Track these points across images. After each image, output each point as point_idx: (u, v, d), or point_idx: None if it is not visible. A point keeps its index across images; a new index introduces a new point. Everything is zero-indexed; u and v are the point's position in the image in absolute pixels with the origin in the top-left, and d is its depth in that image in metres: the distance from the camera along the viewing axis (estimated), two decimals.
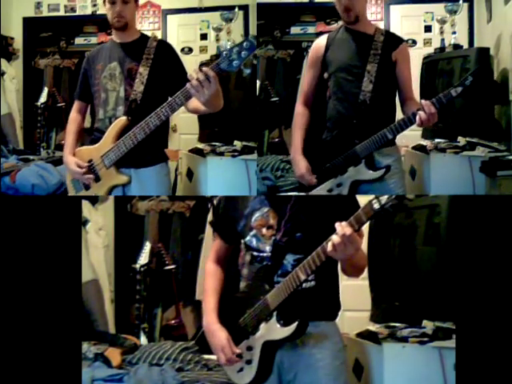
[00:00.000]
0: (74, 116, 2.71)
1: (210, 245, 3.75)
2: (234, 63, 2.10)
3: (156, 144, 2.53)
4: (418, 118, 2.26)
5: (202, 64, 4.25)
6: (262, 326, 1.83)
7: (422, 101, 2.27)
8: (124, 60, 2.53)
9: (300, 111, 2.65)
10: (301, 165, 2.55)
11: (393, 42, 2.50)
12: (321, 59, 2.57)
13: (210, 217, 3.72)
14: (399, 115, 2.53)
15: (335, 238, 1.66)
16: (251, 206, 1.93)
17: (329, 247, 1.67)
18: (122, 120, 2.48)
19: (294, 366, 1.84)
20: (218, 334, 1.90)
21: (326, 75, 2.56)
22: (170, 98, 2.35)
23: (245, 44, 2.08)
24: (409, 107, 2.45)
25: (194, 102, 2.29)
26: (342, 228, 1.65)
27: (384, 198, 1.60)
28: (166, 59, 2.54)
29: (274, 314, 1.81)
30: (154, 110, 2.36)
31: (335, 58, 2.53)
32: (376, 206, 1.61)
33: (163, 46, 2.58)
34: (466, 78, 2.25)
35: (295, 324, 1.77)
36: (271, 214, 1.89)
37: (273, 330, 1.81)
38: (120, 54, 2.55)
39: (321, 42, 2.60)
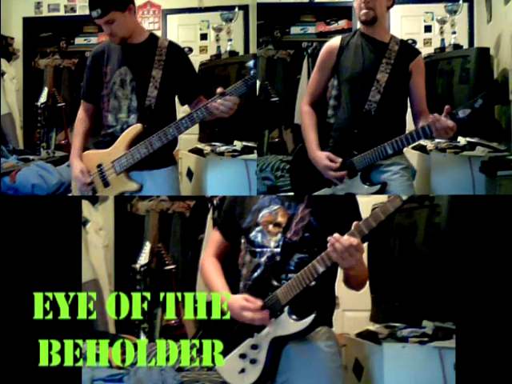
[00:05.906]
0: (81, 116, 2.63)
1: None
2: (250, 83, 2.30)
3: (168, 147, 2.47)
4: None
5: (202, 64, 4.26)
6: (271, 321, 1.81)
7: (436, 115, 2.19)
8: (135, 65, 2.46)
9: (307, 111, 2.54)
10: (321, 156, 2.44)
11: (409, 52, 2.42)
12: (333, 63, 2.48)
13: (211, 214, 3.74)
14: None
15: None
16: (260, 203, 1.95)
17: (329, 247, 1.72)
18: (138, 127, 2.43)
19: (289, 368, 1.83)
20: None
21: (335, 82, 2.51)
22: (191, 111, 2.37)
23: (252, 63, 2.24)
24: (421, 121, 2.36)
25: None
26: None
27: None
28: (178, 63, 2.49)
29: (285, 309, 1.80)
30: (166, 115, 2.39)
31: (349, 65, 2.44)
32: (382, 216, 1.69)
33: (175, 50, 2.50)
34: (476, 100, 2.13)
35: (311, 317, 1.77)
36: (280, 212, 1.91)
37: (284, 324, 1.80)
38: (130, 58, 2.46)
39: (334, 44, 2.50)
